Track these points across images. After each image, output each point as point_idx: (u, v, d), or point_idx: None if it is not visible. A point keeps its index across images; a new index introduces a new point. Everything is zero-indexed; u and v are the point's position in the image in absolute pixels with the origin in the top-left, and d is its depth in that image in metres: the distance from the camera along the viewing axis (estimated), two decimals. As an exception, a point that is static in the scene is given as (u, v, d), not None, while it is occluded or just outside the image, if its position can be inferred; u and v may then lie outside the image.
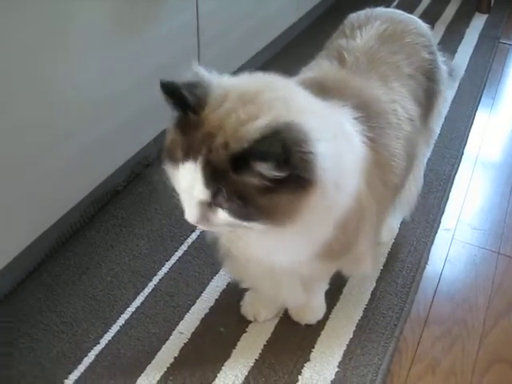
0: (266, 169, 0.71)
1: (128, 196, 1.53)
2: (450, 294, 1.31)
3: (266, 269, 0.99)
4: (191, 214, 0.79)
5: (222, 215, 0.77)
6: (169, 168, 0.80)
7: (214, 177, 0.74)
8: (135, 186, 1.56)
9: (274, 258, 0.94)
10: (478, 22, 2.55)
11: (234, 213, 0.76)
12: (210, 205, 0.77)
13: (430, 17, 2.45)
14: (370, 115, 0.96)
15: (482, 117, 1.94)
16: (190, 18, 1.53)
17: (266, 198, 0.74)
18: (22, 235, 1.21)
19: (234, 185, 0.73)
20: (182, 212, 0.81)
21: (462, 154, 1.74)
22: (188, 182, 0.76)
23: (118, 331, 1.20)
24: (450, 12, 2.60)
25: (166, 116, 0.81)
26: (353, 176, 0.88)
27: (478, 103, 2.00)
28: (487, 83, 2.12)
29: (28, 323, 1.20)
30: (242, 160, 0.72)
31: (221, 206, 0.76)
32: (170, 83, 0.75)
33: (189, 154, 0.75)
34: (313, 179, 0.75)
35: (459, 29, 2.46)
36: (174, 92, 0.75)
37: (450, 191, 1.59)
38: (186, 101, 0.75)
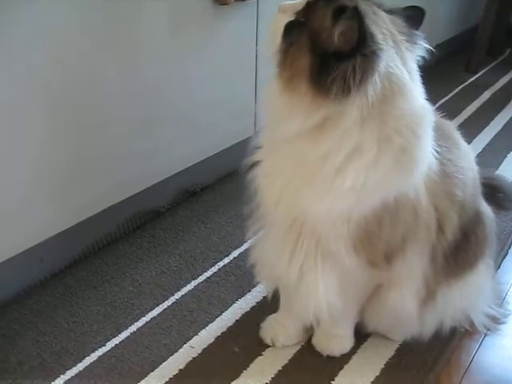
0: None
1: (169, 218, 1.51)
2: (497, 344, 1.14)
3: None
4: None
5: None
6: None
7: None
8: (177, 211, 1.54)
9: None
10: None
11: None
12: None
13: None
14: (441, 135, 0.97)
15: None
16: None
17: None
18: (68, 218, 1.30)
19: None
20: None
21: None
22: None
23: (128, 337, 1.13)
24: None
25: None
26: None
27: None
28: None
29: (40, 317, 1.17)
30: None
31: None
32: None
33: None
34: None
35: None
36: None
37: (510, 247, 1.44)
38: None
